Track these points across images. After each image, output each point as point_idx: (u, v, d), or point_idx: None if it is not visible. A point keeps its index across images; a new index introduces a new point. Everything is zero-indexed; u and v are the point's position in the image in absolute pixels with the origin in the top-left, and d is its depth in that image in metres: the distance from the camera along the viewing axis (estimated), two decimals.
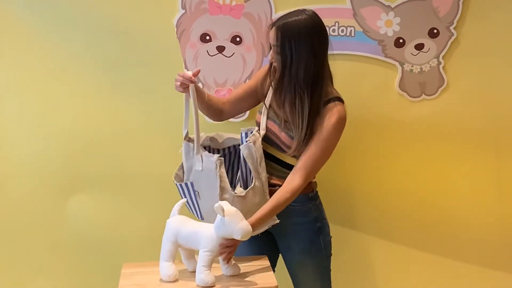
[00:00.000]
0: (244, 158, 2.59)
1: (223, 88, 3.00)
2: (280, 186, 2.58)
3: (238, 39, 2.96)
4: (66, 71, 2.95)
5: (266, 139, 2.63)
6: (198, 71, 2.56)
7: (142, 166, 3.04)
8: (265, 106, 2.63)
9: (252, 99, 2.75)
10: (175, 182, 2.63)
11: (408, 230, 3.15)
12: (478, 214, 3.14)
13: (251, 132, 2.60)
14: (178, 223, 2.52)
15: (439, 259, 3.15)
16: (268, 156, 2.63)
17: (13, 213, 3.02)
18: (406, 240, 3.14)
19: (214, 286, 2.41)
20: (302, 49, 2.46)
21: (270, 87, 2.64)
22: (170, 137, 2.92)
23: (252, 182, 2.58)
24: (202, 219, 2.61)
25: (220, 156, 2.54)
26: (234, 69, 2.99)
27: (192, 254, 2.54)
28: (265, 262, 2.64)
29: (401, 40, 3.01)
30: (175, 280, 2.49)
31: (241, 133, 2.62)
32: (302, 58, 2.47)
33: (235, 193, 2.57)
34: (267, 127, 2.63)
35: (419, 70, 3.04)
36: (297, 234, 2.68)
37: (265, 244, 2.74)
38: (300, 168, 2.53)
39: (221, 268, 2.52)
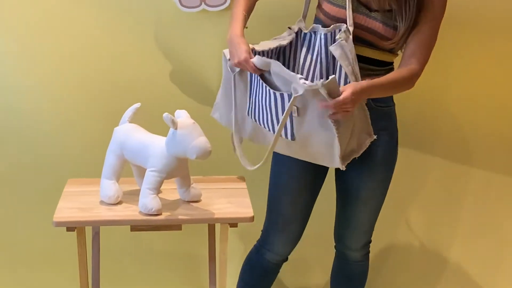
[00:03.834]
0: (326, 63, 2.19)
1: None
2: None
3: None
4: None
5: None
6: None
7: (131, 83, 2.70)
8: None
9: None
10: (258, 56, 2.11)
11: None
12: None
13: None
14: (125, 133, 2.08)
15: None
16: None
17: None
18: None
19: (161, 214, 1.98)
20: None
21: None
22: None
23: None
24: (293, 139, 2.09)
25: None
26: None
27: (145, 171, 2.09)
28: (241, 185, 2.25)
29: None
30: (118, 203, 2.06)
31: (317, 33, 2.22)
32: None
33: None
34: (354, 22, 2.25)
35: None
36: (377, 141, 2.25)
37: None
38: (413, 53, 2.21)
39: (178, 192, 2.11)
